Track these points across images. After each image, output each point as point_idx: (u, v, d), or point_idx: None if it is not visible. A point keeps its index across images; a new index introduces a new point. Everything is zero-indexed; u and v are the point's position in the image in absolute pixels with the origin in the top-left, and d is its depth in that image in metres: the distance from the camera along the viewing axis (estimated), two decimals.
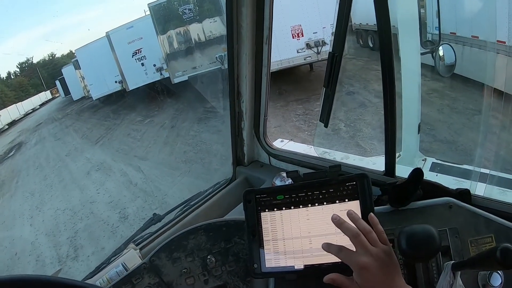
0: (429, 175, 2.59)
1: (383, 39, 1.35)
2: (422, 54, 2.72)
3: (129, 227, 6.85)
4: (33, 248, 7.57)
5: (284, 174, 1.80)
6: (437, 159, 3.04)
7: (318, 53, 11.30)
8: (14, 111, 30.00)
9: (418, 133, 2.91)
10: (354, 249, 0.92)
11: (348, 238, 0.93)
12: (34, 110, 33.35)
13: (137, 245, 1.73)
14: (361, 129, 8.08)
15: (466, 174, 2.53)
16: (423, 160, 3.02)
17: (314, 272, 1.06)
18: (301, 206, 1.09)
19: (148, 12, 14.58)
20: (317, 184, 1.09)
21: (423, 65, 2.92)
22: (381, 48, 1.37)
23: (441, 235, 1.14)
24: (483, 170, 2.22)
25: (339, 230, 0.95)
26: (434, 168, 2.89)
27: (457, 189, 1.34)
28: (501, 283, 1.06)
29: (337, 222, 0.95)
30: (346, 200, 1.06)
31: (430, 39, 2.92)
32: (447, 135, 6.66)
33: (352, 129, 8.21)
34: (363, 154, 6.72)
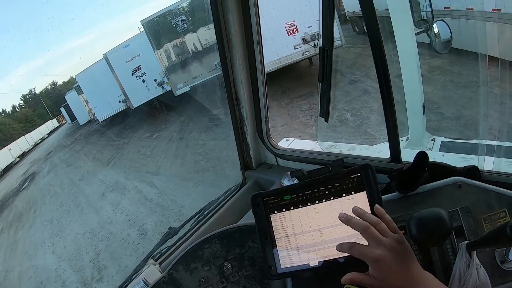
0: (436, 156, 2.58)
1: (369, 24, 1.35)
2: (417, 34, 2.71)
3: (149, 242, 6.90)
4: (58, 275, 7.66)
5: None
6: (446, 138, 3.02)
7: (315, 46, 11.23)
8: (24, 142, 30.31)
9: (424, 114, 2.89)
10: (366, 243, 0.91)
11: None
12: (43, 139, 33.66)
13: (156, 260, 1.75)
14: (368, 116, 8.04)
15: (477, 149, 2.52)
16: (432, 140, 3.01)
17: (329, 268, 1.07)
18: (308, 204, 1.10)
19: (142, 29, 14.66)
20: (322, 180, 1.10)
21: (422, 44, 2.90)
22: (369, 33, 1.37)
23: (453, 215, 1.14)
24: (489, 142, 2.21)
25: None
26: (443, 147, 2.88)
27: (464, 167, 1.32)
28: None
29: (345, 219, 0.95)
30: (353, 192, 1.06)
31: (425, 17, 2.91)
32: (454, 111, 6.62)
33: (359, 117, 8.18)
34: (373, 141, 6.71)
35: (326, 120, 1.78)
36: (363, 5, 1.32)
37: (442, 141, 2.96)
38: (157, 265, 1.65)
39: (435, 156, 2.65)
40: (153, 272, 1.58)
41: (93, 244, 8.17)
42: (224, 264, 1.44)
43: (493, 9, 6.35)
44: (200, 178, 8.79)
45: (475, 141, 2.79)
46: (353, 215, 0.95)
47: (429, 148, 2.90)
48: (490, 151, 2.03)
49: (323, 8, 1.55)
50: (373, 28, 1.35)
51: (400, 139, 2.88)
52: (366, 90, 9.16)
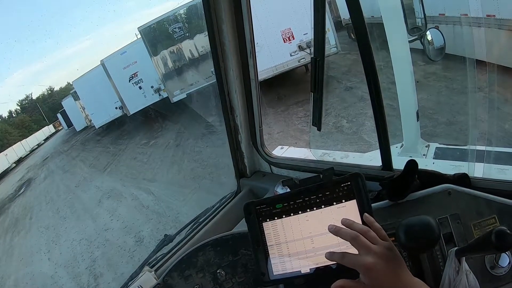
0: (427, 163, 2.60)
1: (359, 32, 1.37)
2: (410, 41, 2.74)
3: (145, 249, 6.87)
4: (54, 282, 7.61)
5: None
6: (440, 144, 3.03)
7: (311, 53, 11.24)
8: (20, 148, 30.25)
9: (417, 121, 2.90)
10: (357, 252, 0.92)
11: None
12: (39, 145, 33.61)
13: (151, 267, 1.76)
14: (363, 123, 8.05)
15: (468, 156, 2.53)
16: (426, 146, 3.02)
17: (321, 275, 1.08)
18: (300, 212, 1.12)
19: (139, 36, 14.67)
20: (313, 189, 1.11)
21: (417, 51, 2.92)
22: (358, 41, 1.39)
23: (442, 222, 1.15)
24: (479, 148, 2.22)
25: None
26: (437, 153, 2.89)
27: (455, 174, 1.34)
28: (509, 263, 1.06)
29: (334, 230, 0.96)
30: (343, 200, 1.08)
31: (419, 23, 2.93)
32: (449, 117, 6.63)
33: (354, 124, 8.20)
34: (368, 147, 6.71)
35: (319, 129, 1.81)
36: (352, 13, 1.34)
37: (436, 147, 2.97)
38: (153, 272, 1.66)
39: (427, 163, 2.66)
40: (148, 279, 1.59)
41: (89, 251, 8.13)
42: (218, 271, 1.45)
43: (487, 15, 6.42)
44: (196, 185, 8.76)
45: (468, 147, 2.80)
46: (343, 226, 0.97)
47: (424, 155, 2.91)
48: (481, 157, 2.05)
49: (315, 19, 1.57)
50: (362, 36, 1.37)
51: (395, 145, 2.91)
52: (362, 97, 9.18)
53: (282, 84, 11.85)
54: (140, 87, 16.23)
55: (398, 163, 1.54)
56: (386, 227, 1.00)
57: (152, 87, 16.12)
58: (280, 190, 1.85)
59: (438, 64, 7.62)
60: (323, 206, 1.10)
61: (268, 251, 1.14)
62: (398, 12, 2.63)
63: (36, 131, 39.07)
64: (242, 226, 1.87)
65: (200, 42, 14.35)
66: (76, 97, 21.82)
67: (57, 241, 9.47)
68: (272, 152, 2.22)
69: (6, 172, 25.87)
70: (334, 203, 1.09)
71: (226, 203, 2.17)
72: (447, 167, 2.39)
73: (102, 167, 14.14)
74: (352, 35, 13.93)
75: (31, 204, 14.17)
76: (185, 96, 14.55)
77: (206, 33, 1.72)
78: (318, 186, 1.11)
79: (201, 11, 1.64)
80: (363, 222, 0.99)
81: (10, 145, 30.65)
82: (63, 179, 15.41)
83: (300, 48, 11.51)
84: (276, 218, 1.14)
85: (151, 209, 8.64)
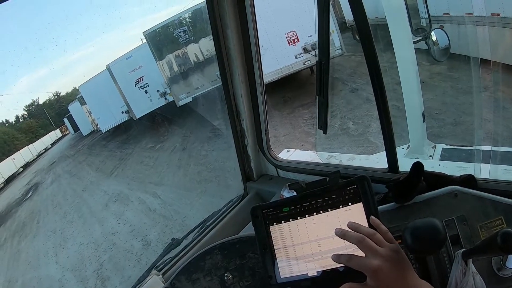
0: (433, 165, 2.59)
1: (362, 34, 1.37)
2: (415, 42, 2.73)
3: (152, 253, 6.87)
4: (61, 285, 7.63)
5: None
6: (447, 145, 3.02)
7: (315, 56, 11.26)
8: (27, 153, 30.38)
9: (424, 122, 2.89)
10: (364, 255, 0.92)
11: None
12: (46, 150, 33.76)
13: (159, 270, 1.77)
14: (369, 124, 8.01)
15: (474, 156, 2.52)
16: (432, 147, 3.01)
17: (328, 277, 1.08)
18: (307, 216, 1.12)
19: (144, 40, 14.71)
20: (319, 192, 1.12)
21: (422, 51, 2.91)
22: (362, 43, 1.39)
23: (449, 224, 1.15)
24: (485, 148, 2.21)
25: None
26: (444, 154, 2.88)
27: (461, 175, 1.34)
28: None
29: (340, 233, 0.97)
30: (349, 203, 1.08)
31: (424, 24, 2.92)
32: (456, 117, 6.59)
33: (361, 126, 8.17)
34: (375, 149, 6.68)
35: (325, 132, 1.81)
36: (355, 15, 1.34)
37: (443, 148, 2.96)
38: (160, 276, 1.67)
39: (433, 164, 2.65)
40: (156, 283, 1.60)
41: (97, 254, 8.14)
42: (225, 274, 1.46)
43: (491, 14, 6.39)
44: (203, 188, 8.76)
45: (474, 147, 2.79)
46: (349, 229, 0.97)
47: (430, 156, 2.89)
48: (487, 158, 2.04)
49: (319, 23, 1.58)
50: (366, 38, 1.37)
51: (401, 147, 2.90)
52: (367, 98, 9.14)
53: (287, 86, 11.84)
54: (146, 91, 16.22)
55: (404, 165, 1.54)
56: (392, 229, 1.00)
57: (158, 91, 16.10)
58: (287, 193, 1.85)
59: (443, 64, 7.58)
60: (329, 209, 1.10)
61: (275, 254, 1.15)
62: (402, 12, 2.63)
63: (43, 136, 39.22)
64: (249, 230, 1.88)
65: (205, 46, 14.36)
66: (82, 102, 21.86)
67: (64, 245, 9.48)
68: (278, 155, 2.24)
69: (14, 177, 26.00)
70: (341, 206, 1.09)
71: (233, 206, 2.18)
72: (454, 169, 2.38)
73: (108, 171, 14.17)
74: (356, 36, 13.91)
75: (38, 208, 14.20)
76: (191, 100, 14.54)
77: (211, 36, 1.74)
78: (325, 190, 1.12)
79: (206, 15, 1.66)
80: (370, 225, 0.99)
81: (18, 150, 30.79)
82: (70, 183, 15.44)
83: (305, 50, 11.49)
84: (283, 221, 1.15)
85: (158, 213, 8.64)
